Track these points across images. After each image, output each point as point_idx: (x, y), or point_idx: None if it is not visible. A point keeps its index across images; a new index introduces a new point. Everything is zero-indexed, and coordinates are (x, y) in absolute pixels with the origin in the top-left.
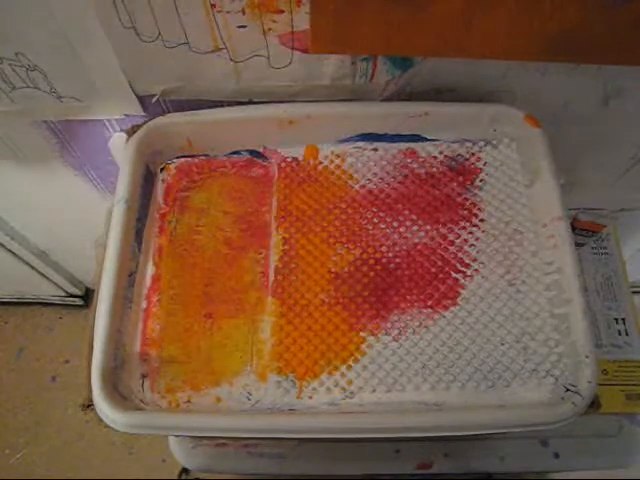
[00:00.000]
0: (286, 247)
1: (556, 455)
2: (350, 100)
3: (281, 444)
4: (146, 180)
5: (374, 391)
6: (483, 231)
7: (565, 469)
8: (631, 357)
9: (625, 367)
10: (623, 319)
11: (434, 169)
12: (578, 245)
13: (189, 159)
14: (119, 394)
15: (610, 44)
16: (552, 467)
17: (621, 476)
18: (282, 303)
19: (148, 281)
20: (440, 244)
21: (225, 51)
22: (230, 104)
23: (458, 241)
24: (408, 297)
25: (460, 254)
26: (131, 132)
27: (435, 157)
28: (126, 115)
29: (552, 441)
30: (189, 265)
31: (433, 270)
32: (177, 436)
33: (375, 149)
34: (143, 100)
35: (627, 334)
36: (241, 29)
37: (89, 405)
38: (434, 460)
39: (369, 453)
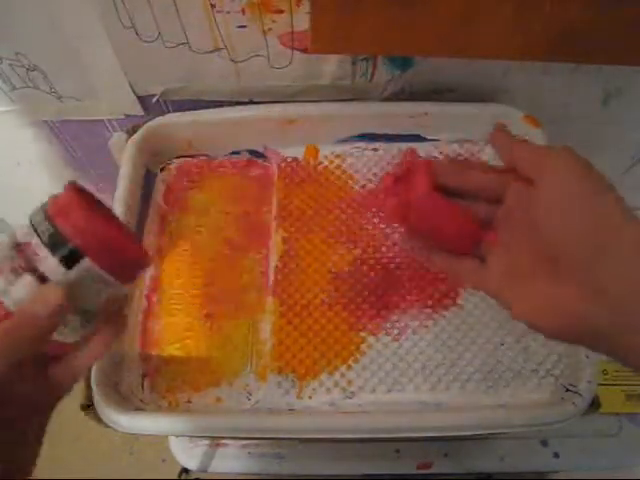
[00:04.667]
0: (286, 247)
1: (556, 455)
2: (350, 100)
3: (281, 444)
4: (146, 180)
5: (374, 391)
6: None
7: (565, 469)
8: None
9: (625, 367)
10: None
11: None
12: None
13: (189, 159)
14: (119, 394)
15: (610, 44)
16: (552, 467)
17: (621, 476)
18: (282, 303)
19: (148, 281)
20: None
21: (225, 51)
22: (230, 104)
23: None
24: (408, 297)
25: None
26: (131, 132)
27: (435, 157)
28: (126, 115)
29: (552, 441)
30: (189, 265)
31: (433, 270)
32: (177, 436)
33: (375, 149)
34: (143, 100)
35: None
36: (241, 29)
37: (89, 405)
38: (434, 460)
39: (369, 453)
